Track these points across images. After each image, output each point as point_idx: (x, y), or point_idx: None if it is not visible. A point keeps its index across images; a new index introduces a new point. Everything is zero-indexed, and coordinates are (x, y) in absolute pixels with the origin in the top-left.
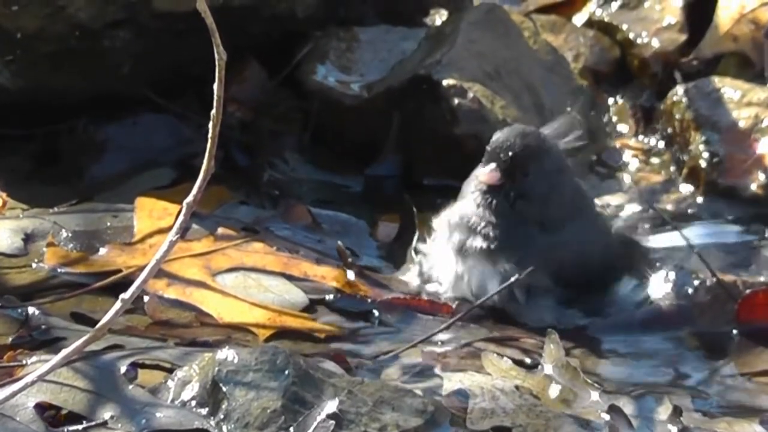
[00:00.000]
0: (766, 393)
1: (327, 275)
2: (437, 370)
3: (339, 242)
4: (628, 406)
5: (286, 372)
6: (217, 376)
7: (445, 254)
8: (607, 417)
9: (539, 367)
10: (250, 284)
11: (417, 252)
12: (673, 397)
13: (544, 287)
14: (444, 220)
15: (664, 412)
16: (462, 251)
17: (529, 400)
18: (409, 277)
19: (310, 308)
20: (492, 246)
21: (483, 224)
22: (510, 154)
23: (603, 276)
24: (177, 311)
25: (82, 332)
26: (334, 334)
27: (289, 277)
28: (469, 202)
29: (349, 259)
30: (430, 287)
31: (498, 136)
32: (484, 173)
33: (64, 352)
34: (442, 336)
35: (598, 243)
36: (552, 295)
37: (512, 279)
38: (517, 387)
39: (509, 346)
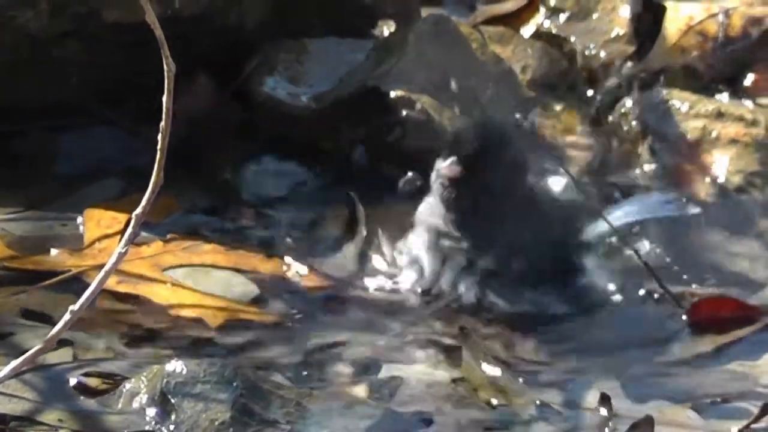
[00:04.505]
0: (700, 378)
1: (277, 270)
2: (382, 362)
3: (288, 239)
4: (558, 395)
5: (235, 384)
6: (165, 387)
7: (415, 251)
8: (537, 407)
9: (474, 361)
10: (200, 276)
11: (379, 247)
12: (603, 384)
13: (519, 275)
14: (416, 217)
15: (593, 400)
16: (434, 249)
17: (461, 392)
18: (365, 269)
19: (261, 300)
20: (462, 243)
21: (449, 221)
22: (471, 146)
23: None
24: (127, 305)
25: (31, 327)
26: (283, 325)
27: (239, 272)
28: (434, 199)
29: (299, 254)
30: (388, 280)
31: (458, 128)
32: (446, 167)
33: (12, 364)
34: (397, 329)
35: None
36: (526, 282)
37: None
38: (453, 380)
39: (461, 339)
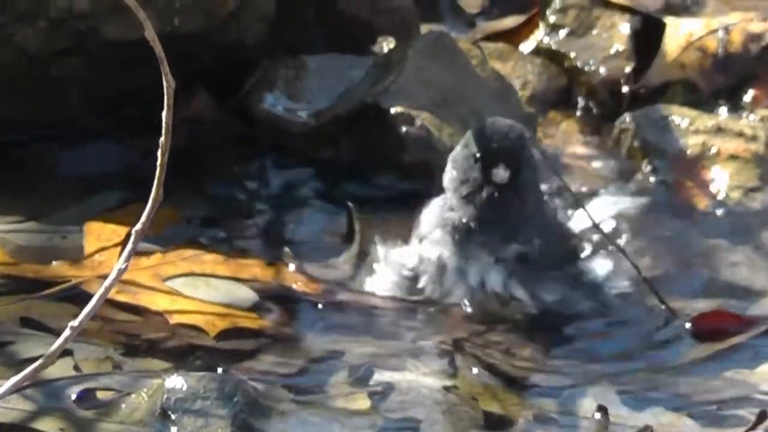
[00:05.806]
0: (697, 385)
1: (276, 278)
2: (381, 370)
3: (287, 247)
4: (555, 404)
5: (235, 399)
6: (165, 403)
7: (434, 254)
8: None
9: (470, 369)
10: (199, 285)
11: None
12: (601, 392)
13: (551, 272)
14: (430, 220)
15: (590, 408)
16: (462, 251)
17: (452, 399)
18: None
19: (260, 308)
20: (494, 241)
21: (484, 223)
22: (508, 149)
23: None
24: (127, 315)
25: (30, 336)
26: (282, 334)
27: (239, 280)
28: (453, 201)
29: (298, 262)
30: (392, 287)
31: (486, 132)
32: (497, 175)
33: (13, 380)
34: (395, 336)
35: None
36: (555, 278)
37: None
38: (452, 387)
39: (456, 348)
